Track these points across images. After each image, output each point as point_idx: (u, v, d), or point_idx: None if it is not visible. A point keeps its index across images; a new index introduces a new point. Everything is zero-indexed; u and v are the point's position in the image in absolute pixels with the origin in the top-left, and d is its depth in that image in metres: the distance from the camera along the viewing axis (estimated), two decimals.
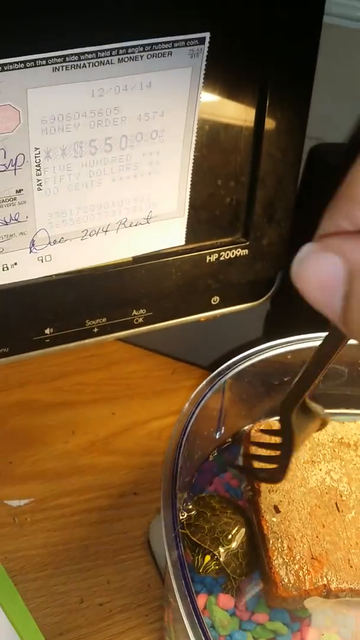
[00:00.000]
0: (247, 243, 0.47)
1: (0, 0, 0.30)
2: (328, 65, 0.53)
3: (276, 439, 0.41)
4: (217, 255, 0.46)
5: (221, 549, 0.39)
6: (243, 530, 0.40)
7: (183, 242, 0.44)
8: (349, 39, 0.52)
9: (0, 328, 0.43)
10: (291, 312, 0.55)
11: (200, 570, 0.38)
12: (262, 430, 0.43)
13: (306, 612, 0.39)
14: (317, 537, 0.41)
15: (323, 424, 0.37)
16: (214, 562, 0.38)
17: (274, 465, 0.39)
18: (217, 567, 0.39)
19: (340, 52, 0.53)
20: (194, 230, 0.45)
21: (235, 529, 0.40)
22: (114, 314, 0.46)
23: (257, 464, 0.42)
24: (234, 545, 0.39)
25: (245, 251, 0.47)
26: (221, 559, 0.38)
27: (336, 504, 0.42)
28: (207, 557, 0.38)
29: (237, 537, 0.40)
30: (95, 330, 0.47)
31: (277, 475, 0.39)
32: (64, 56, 0.33)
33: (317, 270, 0.19)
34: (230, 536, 0.39)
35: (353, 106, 0.54)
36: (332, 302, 0.19)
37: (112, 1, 0.33)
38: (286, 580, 0.39)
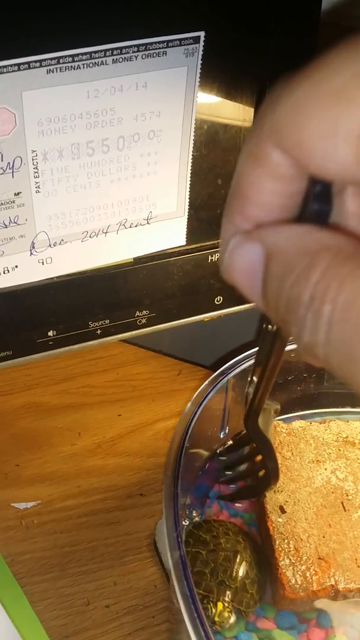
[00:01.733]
0: None
1: None
2: None
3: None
4: (219, 254, 0.46)
5: (229, 592, 0.38)
6: (243, 554, 0.39)
7: (184, 242, 0.44)
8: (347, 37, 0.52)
9: (2, 331, 0.43)
10: None
11: (216, 619, 0.37)
12: (228, 449, 0.43)
13: (313, 613, 0.39)
14: (323, 537, 0.40)
15: (276, 411, 0.38)
16: (227, 608, 0.37)
17: (257, 472, 0.40)
18: (230, 612, 0.37)
19: None
20: (194, 230, 0.44)
21: (237, 560, 0.39)
22: (117, 315, 0.46)
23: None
24: (240, 578, 0.38)
25: None
26: (233, 603, 0.37)
27: (342, 503, 0.42)
28: (220, 605, 0.37)
29: (241, 568, 0.39)
30: (99, 331, 0.47)
31: (270, 477, 0.39)
32: (58, 58, 0.33)
33: (242, 259, 0.21)
34: (234, 572, 0.38)
35: None
36: (255, 285, 0.20)
37: (104, 1, 0.33)
38: (293, 582, 0.38)
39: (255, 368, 0.32)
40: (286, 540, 0.40)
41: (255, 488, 0.42)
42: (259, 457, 0.40)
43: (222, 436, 0.45)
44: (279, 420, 0.45)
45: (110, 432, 0.53)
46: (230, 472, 0.44)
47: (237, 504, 0.43)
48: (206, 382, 0.40)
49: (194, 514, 0.42)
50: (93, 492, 0.49)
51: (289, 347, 0.45)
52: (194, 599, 0.29)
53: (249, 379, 0.34)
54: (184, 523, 0.41)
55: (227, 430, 0.45)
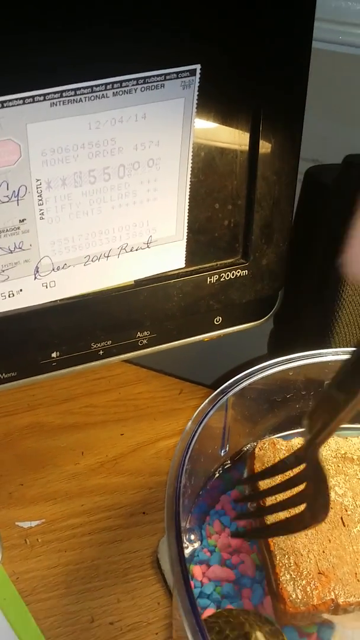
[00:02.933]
0: (247, 264, 0.48)
1: None
2: (323, 89, 0.55)
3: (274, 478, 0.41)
4: (217, 276, 0.47)
5: None
6: (253, 628, 0.36)
7: (183, 265, 0.46)
8: (342, 63, 0.54)
9: (7, 353, 0.44)
10: (294, 330, 0.56)
11: None
12: (249, 479, 0.40)
13: (314, 627, 0.40)
14: (323, 552, 0.41)
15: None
16: None
17: (299, 506, 0.37)
18: None
19: (334, 76, 0.55)
20: (193, 253, 0.46)
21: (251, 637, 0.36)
22: (119, 336, 0.47)
23: (271, 518, 0.40)
24: None
25: (245, 272, 0.48)
26: None
27: (342, 518, 0.42)
28: None
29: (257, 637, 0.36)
30: (101, 352, 0.48)
31: (319, 514, 0.36)
32: (61, 92, 0.34)
33: None
34: None
35: (348, 127, 0.56)
36: None
37: (104, 38, 0.34)
38: (294, 596, 0.39)
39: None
40: (287, 556, 0.40)
41: (291, 524, 0.38)
42: (294, 490, 0.37)
43: (222, 454, 0.45)
44: (278, 437, 0.46)
45: (113, 451, 0.54)
46: (249, 505, 0.43)
47: (238, 521, 0.44)
48: (206, 401, 0.41)
49: (193, 538, 0.42)
50: (96, 511, 0.49)
51: (287, 366, 0.46)
52: (196, 613, 0.30)
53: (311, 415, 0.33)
54: (185, 548, 0.42)
55: (227, 449, 0.46)
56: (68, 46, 0.34)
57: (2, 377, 0.45)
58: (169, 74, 0.36)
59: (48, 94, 0.34)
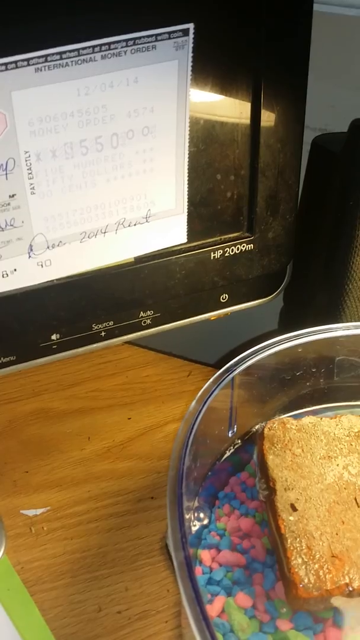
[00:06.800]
0: (252, 237, 0.46)
1: None
2: (328, 55, 0.53)
3: None
4: (221, 251, 0.45)
5: None
6: None
7: (185, 240, 0.44)
8: (348, 26, 0.51)
9: (5, 336, 0.42)
10: (304, 305, 0.54)
11: None
12: None
13: (329, 612, 0.38)
14: (336, 534, 0.39)
15: None
16: None
17: None
18: None
19: (340, 40, 0.52)
20: (195, 228, 0.44)
21: None
22: (121, 316, 0.46)
23: None
24: None
25: (251, 246, 0.46)
26: None
27: (355, 499, 0.41)
28: None
29: None
30: (103, 334, 0.46)
31: None
32: (45, 56, 0.33)
33: None
34: None
35: (355, 95, 0.53)
36: None
37: None
38: (306, 581, 0.37)
39: None
40: (298, 539, 0.39)
41: None
42: None
43: (230, 435, 0.44)
44: (288, 417, 0.45)
45: (120, 436, 0.53)
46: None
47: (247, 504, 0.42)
48: (211, 380, 0.40)
49: (202, 516, 0.41)
50: (103, 497, 0.48)
51: (296, 342, 0.44)
52: (200, 600, 0.28)
53: None
54: (192, 526, 0.40)
55: (235, 430, 0.44)
56: (50, 6, 0.32)
57: (0, 362, 0.44)
58: (160, 34, 0.34)
59: (31, 58, 0.32)
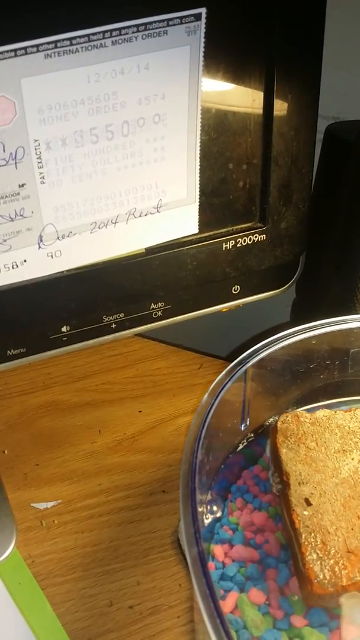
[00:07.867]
0: (265, 228, 0.45)
1: None
2: (342, 43, 0.52)
3: None
4: (233, 242, 0.45)
5: None
6: None
7: (197, 230, 0.43)
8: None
9: (14, 328, 0.42)
10: (317, 297, 0.53)
11: None
12: None
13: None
14: (352, 529, 0.39)
15: None
16: None
17: None
18: None
19: (354, 28, 0.51)
20: (207, 218, 0.43)
21: None
22: (131, 308, 0.45)
23: None
24: None
25: (263, 236, 0.45)
26: None
27: None
28: None
29: None
30: (114, 325, 0.46)
31: None
32: (55, 42, 0.32)
33: None
34: None
35: None
36: None
37: None
38: (321, 577, 0.37)
39: None
40: (313, 534, 0.38)
41: None
42: None
43: (243, 429, 0.43)
44: (302, 410, 0.44)
45: (131, 429, 0.52)
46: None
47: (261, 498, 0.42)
48: (223, 373, 0.39)
49: (215, 509, 0.40)
50: (114, 490, 0.48)
51: (309, 334, 0.43)
52: (214, 596, 0.28)
53: None
54: (205, 519, 0.40)
55: (248, 423, 0.43)
56: None
57: (11, 354, 0.43)
58: (171, 19, 0.34)
59: (41, 44, 0.32)
